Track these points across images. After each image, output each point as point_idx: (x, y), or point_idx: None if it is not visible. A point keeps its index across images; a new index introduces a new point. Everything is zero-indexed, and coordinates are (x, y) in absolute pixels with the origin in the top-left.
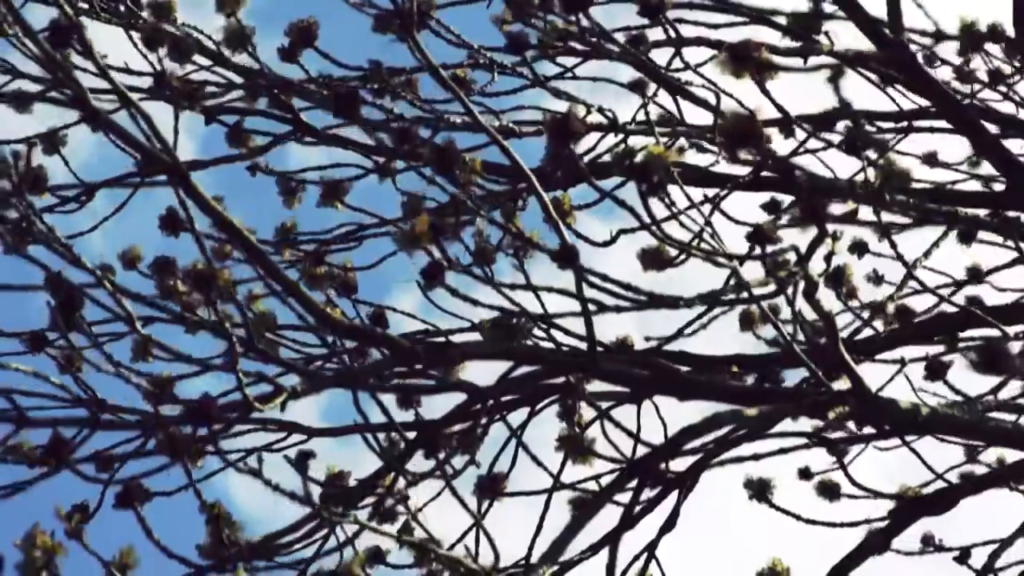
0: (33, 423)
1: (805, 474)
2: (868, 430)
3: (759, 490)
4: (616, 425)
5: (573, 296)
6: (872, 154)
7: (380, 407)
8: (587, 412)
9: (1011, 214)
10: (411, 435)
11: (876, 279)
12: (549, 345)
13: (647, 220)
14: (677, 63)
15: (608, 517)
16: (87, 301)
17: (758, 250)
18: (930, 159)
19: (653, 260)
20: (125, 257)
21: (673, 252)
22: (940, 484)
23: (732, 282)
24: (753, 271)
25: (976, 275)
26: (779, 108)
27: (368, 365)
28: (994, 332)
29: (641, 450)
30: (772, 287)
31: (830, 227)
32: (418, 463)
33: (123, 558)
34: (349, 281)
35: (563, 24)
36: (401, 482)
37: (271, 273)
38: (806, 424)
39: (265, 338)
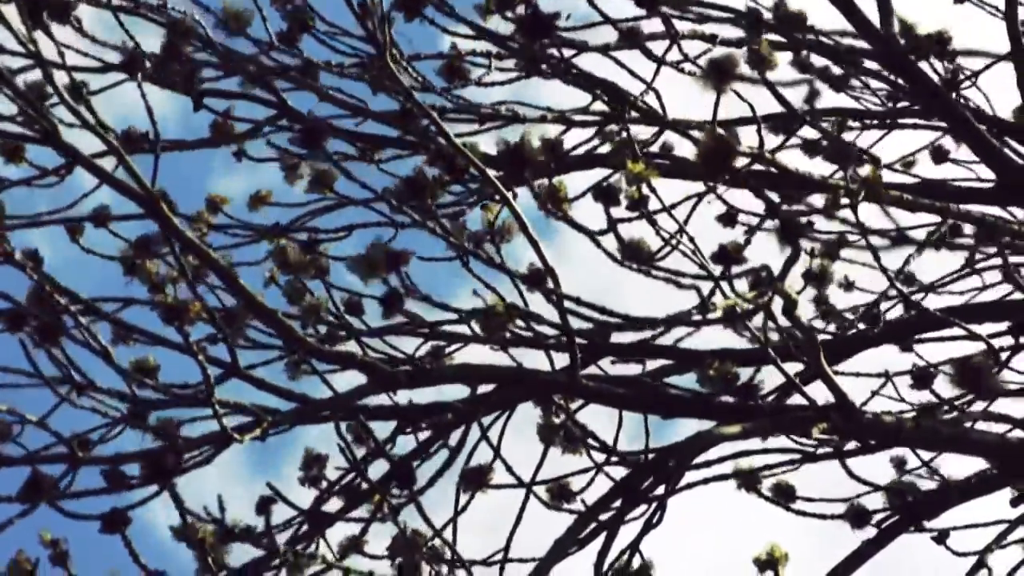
0: (10, 462)
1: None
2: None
3: (747, 480)
4: (600, 444)
5: (552, 325)
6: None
7: (367, 432)
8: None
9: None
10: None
11: (847, 285)
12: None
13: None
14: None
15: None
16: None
17: (726, 269)
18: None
19: (632, 254)
20: (97, 217)
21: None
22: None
23: (705, 300)
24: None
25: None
26: (778, 98)
27: (350, 391)
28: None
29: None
30: (746, 306)
31: (806, 244)
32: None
33: None
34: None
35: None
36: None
37: (250, 303)
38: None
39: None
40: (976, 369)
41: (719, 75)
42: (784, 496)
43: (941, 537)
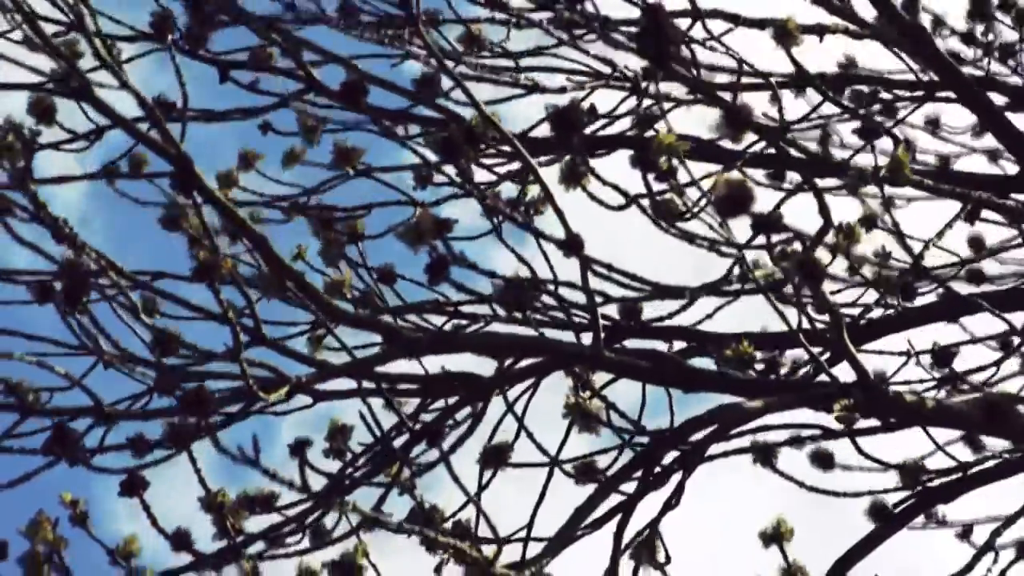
0: (38, 413)
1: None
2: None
3: (763, 455)
4: (620, 415)
5: (578, 288)
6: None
7: (385, 399)
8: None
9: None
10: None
11: (884, 256)
12: (558, 314)
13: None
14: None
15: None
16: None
17: (762, 239)
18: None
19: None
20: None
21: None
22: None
23: (736, 271)
24: (758, 258)
25: (978, 247)
26: (799, 67)
27: (371, 356)
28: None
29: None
30: (777, 276)
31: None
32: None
33: (127, 546)
34: (356, 228)
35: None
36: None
37: (275, 263)
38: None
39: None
40: (1002, 408)
41: (734, 125)
42: (822, 462)
43: (965, 533)
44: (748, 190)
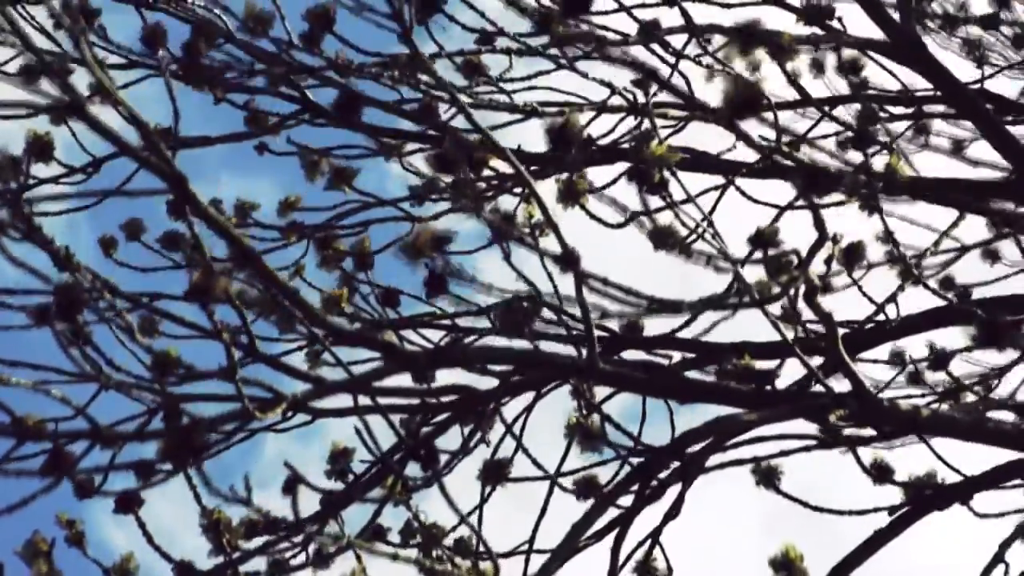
0: (35, 436)
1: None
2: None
3: (766, 476)
4: (617, 428)
5: (573, 300)
6: (880, 144)
7: (382, 414)
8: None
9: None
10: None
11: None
12: (559, 330)
13: (652, 210)
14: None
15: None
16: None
17: (759, 253)
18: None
19: (663, 240)
20: (128, 229)
21: (683, 232)
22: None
23: (734, 286)
24: (755, 273)
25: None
26: (797, 88)
27: (369, 372)
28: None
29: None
30: (774, 290)
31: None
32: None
33: (123, 564)
34: (365, 251)
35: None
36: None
37: (269, 280)
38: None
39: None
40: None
41: (745, 39)
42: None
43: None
44: (758, 90)
